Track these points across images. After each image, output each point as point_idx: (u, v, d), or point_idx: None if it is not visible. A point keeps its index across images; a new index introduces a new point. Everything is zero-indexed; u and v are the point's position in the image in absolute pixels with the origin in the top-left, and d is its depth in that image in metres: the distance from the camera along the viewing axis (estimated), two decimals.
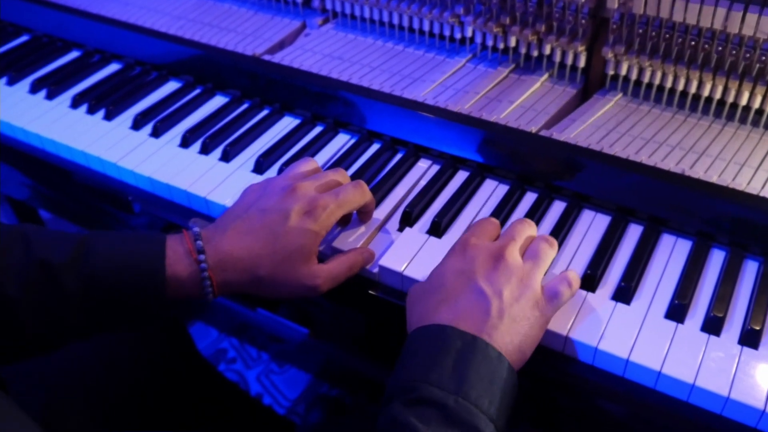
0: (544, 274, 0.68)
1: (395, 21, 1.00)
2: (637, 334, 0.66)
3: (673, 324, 0.67)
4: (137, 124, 0.93)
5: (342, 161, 0.85)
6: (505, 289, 0.63)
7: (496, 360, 0.60)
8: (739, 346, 0.64)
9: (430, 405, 0.56)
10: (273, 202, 0.70)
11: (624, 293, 0.69)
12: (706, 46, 0.81)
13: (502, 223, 0.77)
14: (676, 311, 0.67)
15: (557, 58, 0.91)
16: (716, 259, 0.73)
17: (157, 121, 0.93)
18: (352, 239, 0.76)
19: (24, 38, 1.15)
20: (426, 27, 0.98)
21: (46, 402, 0.84)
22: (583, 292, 0.70)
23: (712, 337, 0.65)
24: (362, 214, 0.77)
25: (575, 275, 0.68)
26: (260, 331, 1.56)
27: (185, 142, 0.90)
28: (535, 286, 0.65)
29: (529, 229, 0.71)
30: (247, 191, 0.74)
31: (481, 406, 0.57)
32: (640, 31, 0.84)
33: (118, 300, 0.66)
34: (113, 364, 0.92)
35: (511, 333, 0.62)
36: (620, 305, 0.68)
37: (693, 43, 0.81)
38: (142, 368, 0.95)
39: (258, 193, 0.72)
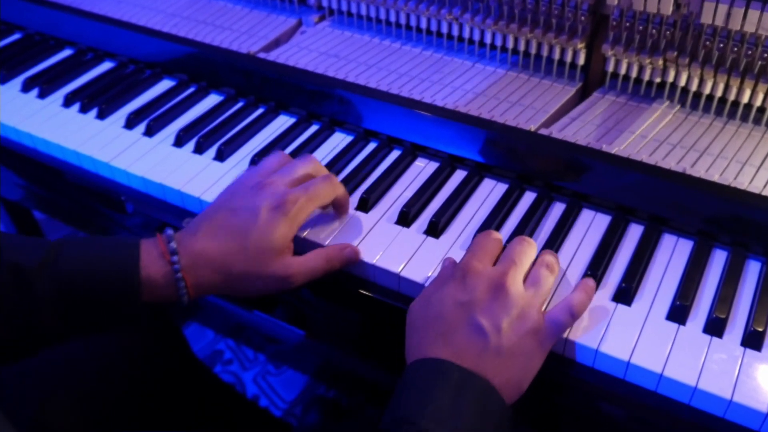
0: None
1: (392, 18, 0.99)
2: (638, 336, 0.65)
3: (674, 325, 0.65)
4: (130, 123, 0.92)
5: (338, 160, 0.84)
6: (504, 323, 0.62)
7: (491, 396, 0.60)
8: (742, 348, 0.63)
9: None
10: (242, 200, 0.71)
11: (625, 294, 0.68)
12: (708, 43, 0.80)
13: (501, 222, 0.76)
14: (678, 312, 0.66)
15: (556, 55, 0.90)
16: (718, 259, 0.72)
17: (151, 120, 0.91)
18: (345, 238, 0.75)
19: (16, 36, 1.14)
20: (423, 24, 0.97)
21: (39, 405, 0.83)
22: None
23: (715, 339, 0.64)
24: (337, 208, 0.77)
25: (580, 300, 0.65)
26: (256, 332, 1.55)
27: (179, 141, 0.89)
28: (536, 316, 0.63)
29: (530, 250, 0.68)
30: (220, 193, 0.74)
31: None
32: (641, 27, 0.83)
33: (92, 303, 0.66)
34: (106, 366, 0.91)
35: (509, 368, 0.61)
36: (621, 306, 0.67)
37: (694, 40, 0.80)
38: (135, 371, 0.94)
39: (228, 194, 0.73)
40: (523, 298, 0.64)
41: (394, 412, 0.59)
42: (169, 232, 0.69)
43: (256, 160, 0.84)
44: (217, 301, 1.47)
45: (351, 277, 0.74)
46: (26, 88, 1.00)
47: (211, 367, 1.54)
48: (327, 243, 0.74)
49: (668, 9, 0.79)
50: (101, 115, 0.94)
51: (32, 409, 0.82)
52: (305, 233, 0.75)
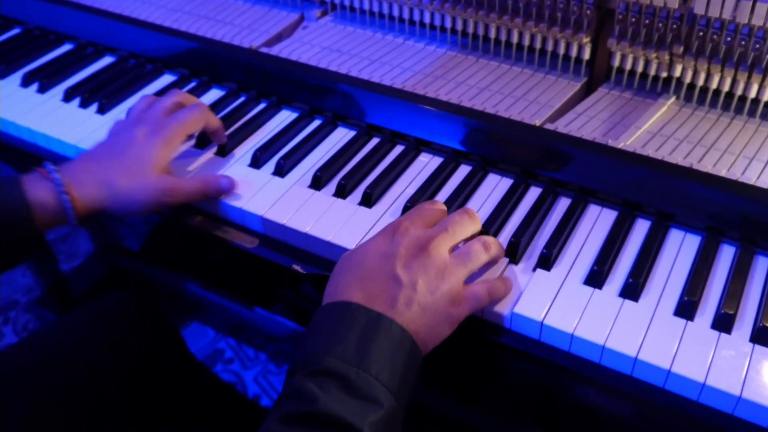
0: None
1: (395, 13, 0.98)
2: (645, 332, 0.64)
3: (682, 321, 0.65)
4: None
5: (341, 155, 0.83)
6: (421, 280, 0.63)
7: (399, 337, 0.60)
8: (751, 344, 0.62)
9: (332, 376, 0.57)
10: (118, 134, 0.78)
11: (632, 290, 0.67)
12: (715, 37, 0.79)
13: (506, 217, 0.75)
14: (686, 308, 0.65)
15: (561, 50, 0.89)
16: (726, 254, 0.71)
17: None
18: (350, 233, 0.74)
19: (15, 31, 1.13)
20: (427, 19, 0.96)
21: (32, 406, 0.82)
22: (591, 289, 0.68)
23: (723, 335, 0.63)
24: (213, 136, 0.84)
25: (498, 287, 0.67)
26: (257, 330, 1.54)
27: None
28: (454, 283, 0.64)
29: (470, 225, 0.69)
30: None
31: (381, 379, 0.58)
32: (647, 22, 0.82)
33: None
34: (101, 367, 0.90)
35: (417, 322, 0.62)
36: (628, 302, 0.66)
37: (701, 34, 0.79)
38: (132, 371, 0.93)
39: (105, 137, 0.80)
40: (445, 262, 0.64)
41: (304, 350, 0.60)
42: (46, 162, 0.75)
43: (258, 155, 0.83)
44: (217, 299, 1.46)
45: None
46: (26, 82, 1.00)
47: (211, 366, 1.53)
48: (330, 238, 0.74)
49: (675, 2, 0.78)
50: (102, 110, 0.93)
51: (25, 409, 0.81)
52: (308, 228, 0.75)
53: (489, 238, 0.68)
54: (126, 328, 0.96)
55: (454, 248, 0.67)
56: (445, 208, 0.71)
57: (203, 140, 0.87)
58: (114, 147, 0.77)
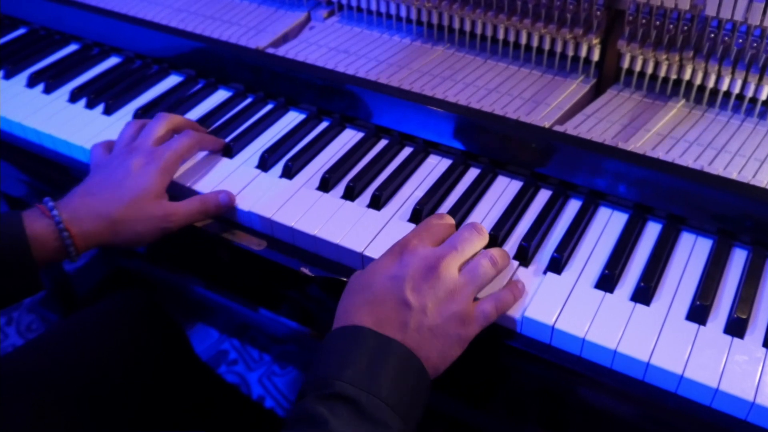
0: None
1: (402, 14, 0.97)
2: (657, 337, 0.63)
3: (694, 326, 0.64)
4: (138, 119, 0.90)
5: (349, 157, 0.83)
6: (430, 303, 0.63)
7: (409, 362, 0.61)
8: (764, 349, 0.62)
9: (343, 400, 0.57)
10: (113, 166, 0.78)
11: (643, 294, 0.67)
12: (726, 38, 0.78)
13: (516, 220, 0.75)
14: (698, 313, 0.65)
15: (570, 51, 0.88)
16: (738, 258, 0.70)
17: None
18: (357, 236, 0.73)
19: (21, 31, 1.13)
20: (434, 20, 0.95)
21: (37, 410, 0.82)
22: (602, 293, 0.67)
23: (736, 340, 0.63)
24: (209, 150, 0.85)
25: (506, 299, 0.66)
26: (262, 331, 1.54)
27: None
28: (464, 303, 0.64)
29: (477, 240, 0.68)
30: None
31: (392, 404, 0.58)
32: (657, 23, 0.81)
33: None
34: (105, 368, 0.90)
35: (428, 347, 0.62)
36: (639, 306, 0.66)
37: (712, 35, 0.79)
38: (136, 372, 0.93)
39: (99, 167, 0.80)
40: (455, 282, 0.64)
41: (314, 373, 0.60)
42: (47, 198, 0.75)
43: (265, 156, 0.83)
44: (222, 300, 1.46)
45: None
46: (32, 83, 0.99)
47: (215, 367, 1.53)
48: (338, 241, 0.73)
49: (686, 3, 0.77)
50: (108, 111, 0.93)
51: (29, 410, 0.81)
52: (317, 231, 0.74)
53: (496, 252, 0.68)
54: (133, 328, 0.96)
55: (463, 265, 0.66)
56: (453, 222, 0.71)
57: None
58: (110, 179, 0.77)
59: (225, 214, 0.80)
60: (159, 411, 0.97)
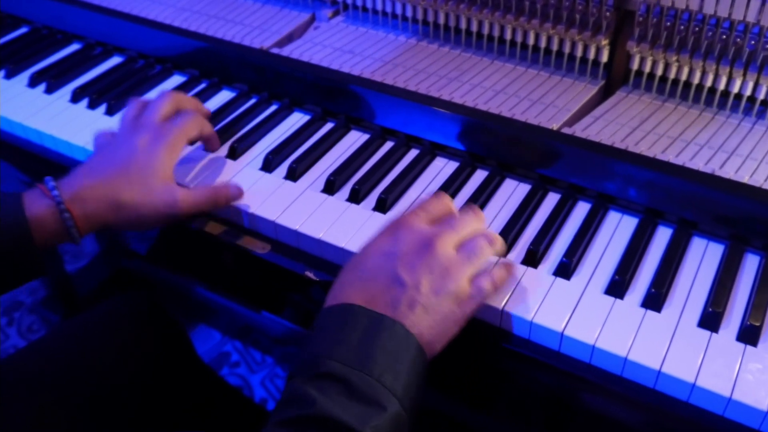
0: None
1: (408, 14, 0.96)
2: (669, 344, 0.62)
3: (706, 333, 0.63)
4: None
5: (354, 159, 0.81)
6: (424, 280, 0.61)
7: (403, 339, 0.58)
8: None
9: (332, 379, 0.55)
10: (118, 143, 0.75)
11: (654, 300, 0.65)
12: (738, 40, 0.77)
13: (525, 224, 0.74)
14: (710, 320, 0.64)
15: (579, 52, 0.87)
16: (751, 264, 0.69)
17: None
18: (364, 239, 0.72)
19: (23, 30, 1.12)
20: (441, 20, 0.94)
21: (37, 412, 0.81)
22: (612, 299, 0.66)
23: (749, 348, 0.62)
24: (206, 142, 0.83)
25: (501, 275, 0.65)
26: (264, 333, 1.53)
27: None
28: (460, 281, 0.62)
29: (474, 221, 0.67)
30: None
31: (385, 382, 0.56)
32: (668, 24, 0.80)
33: None
34: (109, 370, 0.89)
35: (420, 324, 0.60)
36: (650, 313, 0.65)
37: (724, 37, 0.77)
38: (138, 373, 0.92)
39: (102, 146, 0.77)
40: (450, 260, 0.63)
41: (303, 354, 0.59)
42: (48, 178, 0.72)
43: (270, 159, 0.81)
44: (224, 301, 1.44)
45: None
46: (33, 83, 0.98)
47: (218, 369, 1.52)
48: (344, 245, 0.72)
49: (696, 4, 0.76)
50: (110, 111, 0.92)
51: (31, 411, 0.81)
52: (322, 234, 0.73)
53: (492, 233, 0.66)
54: (135, 330, 0.95)
55: (459, 244, 0.65)
56: (451, 202, 0.69)
57: None
58: (115, 158, 0.74)
59: (231, 215, 0.78)
60: (161, 413, 0.96)
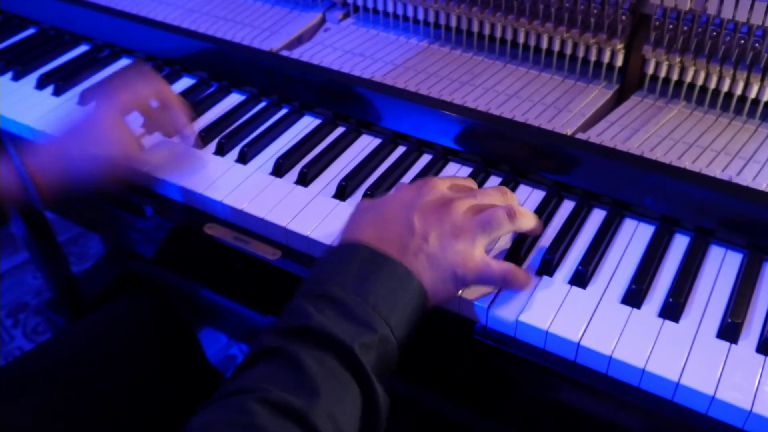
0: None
1: (420, 16, 0.95)
2: (687, 355, 0.61)
3: (725, 344, 0.62)
4: None
5: (365, 164, 0.80)
6: (433, 233, 0.63)
7: (404, 278, 0.60)
8: None
9: (329, 300, 0.58)
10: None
11: (672, 310, 0.64)
12: (757, 45, 0.76)
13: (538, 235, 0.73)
14: (729, 330, 0.62)
15: (593, 56, 0.86)
16: None
17: None
18: None
19: (30, 31, 1.11)
20: (453, 23, 0.93)
21: (44, 415, 0.81)
22: (629, 309, 0.65)
23: None
24: (172, 118, 0.83)
25: (517, 273, 0.65)
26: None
27: (200, 141, 0.85)
28: (468, 244, 0.63)
29: (497, 195, 0.68)
30: None
31: (380, 311, 0.58)
32: (685, 28, 0.79)
33: None
34: (116, 372, 0.89)
35: (423, 274, 0.62)
36: (668, 323, 0.64)
37: (742, 41, 0.76)
38: (146, 377, 0.91)
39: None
40: (463, 222, 0.64)
41: (309, 277, 0.61)
42: None
43: (281, 163, 0.80)
44: (231, 305, 1.44)
45: None
46: (41, 84, 0.97)
47: (224, 372, 1.51)
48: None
49: (714, 8, 0.75)
50: None
51: (38, 414, 0.80)
52: (333, 241, 0.72)
53: (516, 207, 0.66)
54: (144, 332, 0.95)
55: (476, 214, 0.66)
56: (476, 184, 0.73)
57: (221, 147, 0.84)
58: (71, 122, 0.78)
59: (240, 220, 0.77)
60: (168, 415, 0.95)
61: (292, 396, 0.52)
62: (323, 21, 1.03)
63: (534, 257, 0.70)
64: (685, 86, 0.84)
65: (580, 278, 0.67)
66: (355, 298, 0.58)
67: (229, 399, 0.53)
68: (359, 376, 0.55)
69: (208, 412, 0.53)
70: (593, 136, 0.79)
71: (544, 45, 0.88)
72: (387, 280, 0.60)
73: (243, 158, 0.83)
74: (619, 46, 0.84)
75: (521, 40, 0.90)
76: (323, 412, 0.52)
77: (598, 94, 0.86)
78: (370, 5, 0.99)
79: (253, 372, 0.55)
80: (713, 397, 0.59)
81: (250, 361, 0.56)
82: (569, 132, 0.80)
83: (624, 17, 0.81)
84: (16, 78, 0.99)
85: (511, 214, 0.65)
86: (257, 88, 0.93)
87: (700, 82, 0.82)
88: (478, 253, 0.64)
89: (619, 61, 0.85)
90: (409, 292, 0.60)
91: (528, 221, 0.67)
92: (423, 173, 0.79)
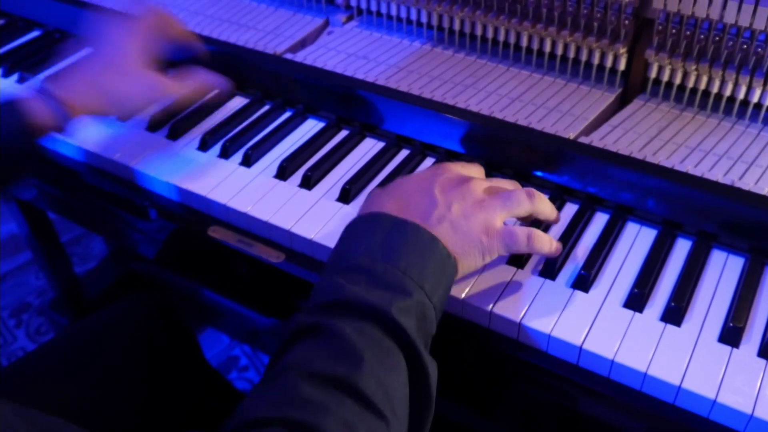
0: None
1: (423, 20, 0.95)
2: (689, 359, 0.61)
3: (727, 348, 0.62)
4: (153, 126, 0.89)
5: (370, 167, 0.81)
6: (456, 203, 0.62)
7: (429, 242, 0.59)
8: None
9: (358, 271, 0.56)
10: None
11: (674, 314, 0.65)
12: (759, 49, 0.76)
13: None
14: (731, 335, 0.63)
15: (596, 60, 0.86)
16: None
17: (174, 122, 0.88)
18: None
19: (35, 33, 1.11)
20: (456, 26, 0.93)
21: (50, 413, 0.80)
22: (631, 313, 0.65)
23: None
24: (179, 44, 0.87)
25: (541, 236, 0.65)
26: (273, 337, 1.52)
27: (204, 144, 0.86)
28: (491, 213, 0.63)
29: (511, 186, 0.68)
30: None
31: (411, 274, 0.56)
32: (687, 32, 0.79)
33: None
34: (117, 372, 0.89)
35: (447, 239, 0.60)
36: (670, 327, 0.64)
37: (745, 46, 0.77)
38: (147, 377, 0.92)
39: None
40: (483, 197, 0.64)
41: (333, 253, 0.61)
42: None
43: (285, 166, 0.81)
44: (234, 306, 1.44)
45: None
46: None
47: (226, 373, 1.51)
48: None
49: (717, 13, 0.75)
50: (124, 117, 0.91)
51: (47, 413, 0.80)
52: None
53: (535, 191, 0.66)
54: (144, 332, 0.95)
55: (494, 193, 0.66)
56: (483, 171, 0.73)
57: (225, 150, 0.84)
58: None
59: (244, 223, 0.78)
60: (168, 416, 0.96)
61: (336, 365, 0.51)
62: (327, 24, 1.03)
63: (537, 261, 0.70)
64: (687, 90, 0.84)
65: (583, 282, 0.68)
66: (385, 265, 0.56)
67: (272, 381, 0.52)
68: (401, 340, 0.54)
69: (255, 396, 0.52)
70: (596, 139, 0.79)
71: (547, 48, 0.89)
72: (414, 245, 0.58)
73: (247, 161, 0.83)
74: (622, 50, 0.84)
75: (524, 43, 0.90)
76: (370, 377, 0.51)
77: (601, 97, 0.87)
78: (373, 8, 0.99)
79: (294, 350, 0.53)
80: (715, 401, 0.59)
81: (288, 342, 0.54)
82: (572, 136, 0.80)
83: (627, 21, 0.82)
84: (21, 80, 1.00)
85: (531, 195, 0.65)
86: (261, 91, 0.93)
87: (702, 86, 0.82)
88: (500, 223, 0.63)
89: (622, 65, 0.86)
90: (437, 257, 0.59)
91: (546, 205, 0.67)
92: None
